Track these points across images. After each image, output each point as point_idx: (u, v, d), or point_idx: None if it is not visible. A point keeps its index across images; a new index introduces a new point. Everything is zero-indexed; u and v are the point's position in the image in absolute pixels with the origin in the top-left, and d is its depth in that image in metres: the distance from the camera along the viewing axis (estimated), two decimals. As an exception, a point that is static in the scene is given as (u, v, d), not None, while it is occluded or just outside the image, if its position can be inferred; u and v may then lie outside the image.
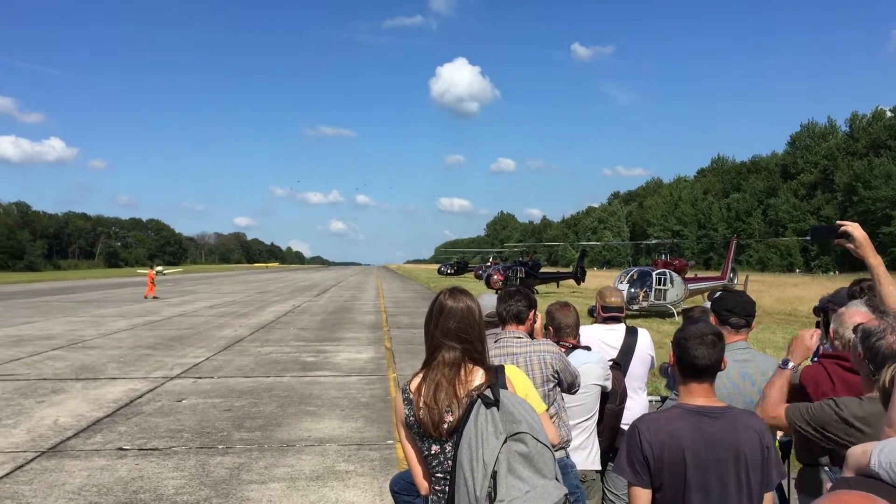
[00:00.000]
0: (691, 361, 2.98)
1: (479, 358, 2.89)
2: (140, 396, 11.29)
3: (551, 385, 4.11)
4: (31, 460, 7.80)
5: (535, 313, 4.37)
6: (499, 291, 4.93)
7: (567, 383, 4.20)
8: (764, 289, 41.75)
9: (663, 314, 28.58)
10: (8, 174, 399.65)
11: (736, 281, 35.79)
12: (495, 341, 4.25)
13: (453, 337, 2.87)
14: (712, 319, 4.04)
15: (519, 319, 4.30)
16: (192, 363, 14.84)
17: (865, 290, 4.32)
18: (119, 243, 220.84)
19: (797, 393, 3.69)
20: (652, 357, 5.40)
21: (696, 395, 3.00)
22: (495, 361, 4.03)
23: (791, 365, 3.54)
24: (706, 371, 3.00)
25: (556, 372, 4.12)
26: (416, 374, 2.93)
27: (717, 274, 39.98)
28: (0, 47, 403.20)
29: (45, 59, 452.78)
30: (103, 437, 8.83)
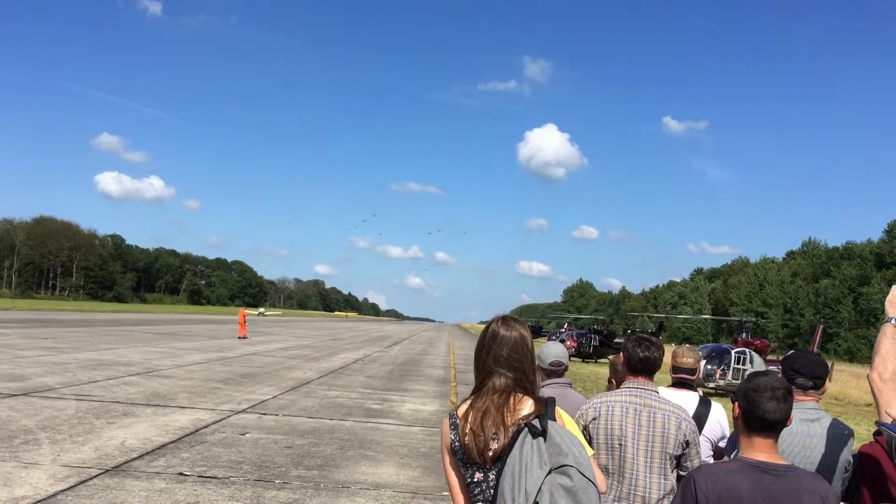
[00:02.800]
0: (760, 414, 2.84)
1: (530, 388, 2.82)
2: (206, 426, 11.45)
3: (678, 452, 3.84)
4: (95, 476, 7.95)
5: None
6: (570, 358, 4.74)
7: (690, 460, 3.89)
8: (851, 379, 39.88)
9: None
10: (108, 208, 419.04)
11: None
12: (625, 387, 4.04)
13: (504, 364, 2.81)
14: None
15: (652, 371, 4.06)
16: (259, 400, 15.01)
17: None
18: (203, 281, 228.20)
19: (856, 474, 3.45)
20: (723, 428, 5.00)
21: (760, 451, 2.85)
22: (622, 409, 3.90)
23: None
24: (775, 426, 2.86)
25: (687, 443, 3.85)
26: (464, 401, 2.87)
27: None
28: (114, 89, 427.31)
29: (153, 102, 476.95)
30: (166, 461, 8.96)
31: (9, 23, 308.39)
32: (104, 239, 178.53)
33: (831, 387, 33.16)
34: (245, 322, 40.51)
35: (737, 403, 2.97)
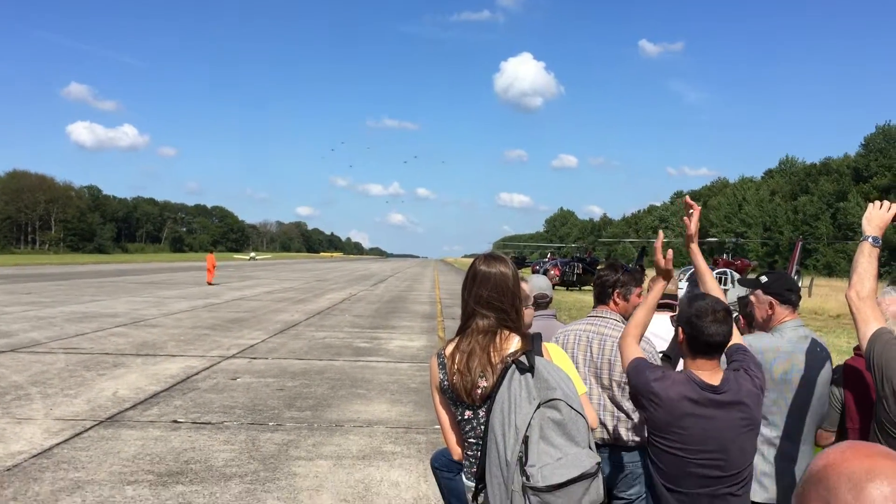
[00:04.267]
0: (705, 339, 2.91)
1: (514, 326, 2.84)
2: (196, 373, 11.53)
3: None
4: (89, 428, 8.03)
5: (640, 292, 4.14)
6: (554, 287, 4.81)
7: None
8: (830, 293, 40.47)
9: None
10: (82, 159, 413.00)
11: (801, 284, 34.84)
12: (587, 316, 4.13)
13: (486, 304, 2.82)
14: (774, 301, 3.85)
15: (624, 298, 4.11)
16: (248, 344, 15.10)
17: None
18: (184, 229, 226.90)
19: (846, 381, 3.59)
20: (664, 340, 5.18)
21: (703, 370, 2.95)
22: (575, 337, 3.98)
23: (878, 241, 3.19)
24: (719, 348, 2.95)
25: None
26: (450, 341, 2.90)
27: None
28: (78, 36, 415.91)
29: (121, 47, 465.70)
30: (159, 409, 9.05)
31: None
32: (80, 190, 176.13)
33: (811, 302, 33.75)
34: (213, 268, 39.71)
35: (680, 329, 3.02)
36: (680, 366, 5.11)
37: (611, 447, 3.94)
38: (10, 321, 18.10)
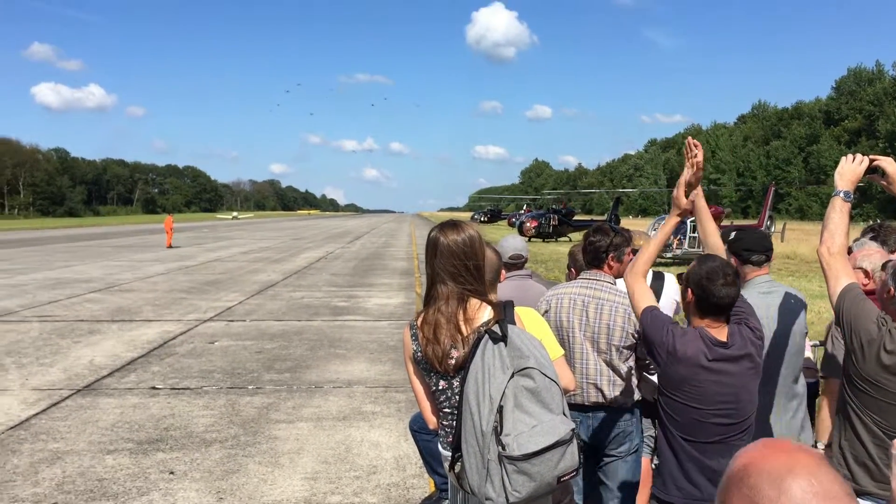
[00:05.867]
0: (715, 301, 2.99)
1: (482, 292, 2.82)
2: (174, 338, 11.48)
3: (628, 343, 3.92)
4: (67, 398, 7.99)
5: (632, 250, 4.09)
6: (530, 239, 4.75)
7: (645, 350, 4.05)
8: (803, 237, 41.00)
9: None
10: (48, 120, 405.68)
11: (773, 229, 35.17)
12: (580, 278, 4.10)
13: (448, 274, 2.79)
14: (732, 261, 3.94)
15: (618, 260, 4.06)
16: (225, 307, 15.04)
17: (879, 232, 4.69)
18: (156, 190, 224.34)
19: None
20: (678, 303, 5.26)
21: (712, 328, 3.04)
22: (570, 301, 3.95)
23: (849, 196, 3.21)
24: (727, 309, 3.03)
25: (638, 333, 3.87)
26: (420, 311, 2.88)
27: (754, 222, 39.30)
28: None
29: (83, 5, 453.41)
30: (137, 376, 9.01)
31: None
32: (48, 153, 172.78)
33: (784, 247, 34.13)
34: (171, 230, 38.41)
35: (690, 290, 3.07)
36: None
37: (605, 409, 3.96)
38: (-18, 290, 17.85)
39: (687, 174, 3.36)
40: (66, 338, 11.45)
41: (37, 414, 7.38)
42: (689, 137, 3.46)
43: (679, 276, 3.38)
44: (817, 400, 4.55)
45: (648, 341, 3.12)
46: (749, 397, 3.04)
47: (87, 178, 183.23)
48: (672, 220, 3.40)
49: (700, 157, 3.35)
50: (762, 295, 3.79)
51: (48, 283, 19.58)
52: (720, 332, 3.03)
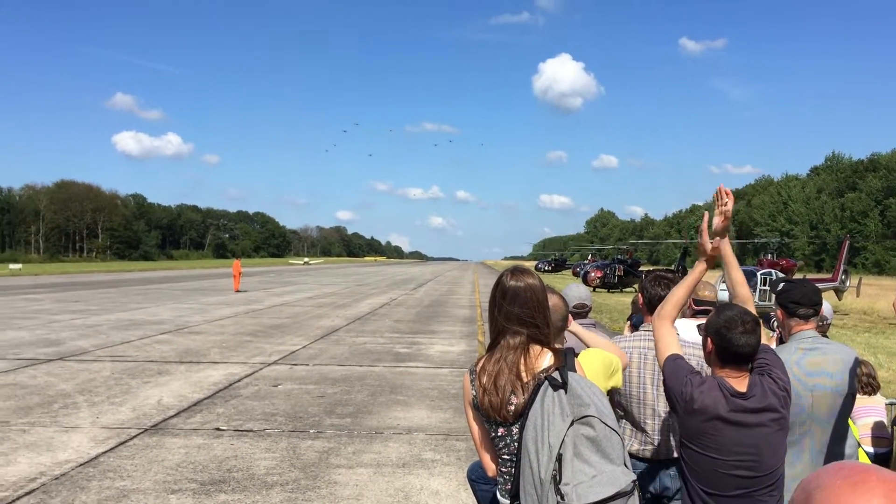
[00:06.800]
0: (734, 350, 2.95)
1: (545, 340, 2.80)
2: (239, 380, 11.65)
3: None
4: (134, 437, 8.16)
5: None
6: (595, 289, 4.72)
7: None
8: (880, 292, 39.63)
9: (768, 317, 27.47)
10: (127, 167, 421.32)
11: (848, 283, 34.09)
12: (643, 330, 4.03)
13: (516, 321, 2.78)
14: (779, 313, 3.87)
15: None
16: (290, 350, 15.23)
17: None
18: (227, 235, 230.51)
19: None
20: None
21: (732, 378, 3.01)
22: (639, 356, 3.89)
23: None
24: (748, 359, 2.99)
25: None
26: (482, 357, 2.87)
27: (828, 276, 38.11)
28: (123, 46, 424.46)
29: (165, 57, 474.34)
30: (202, 417, 9.16)
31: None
32: (126, 199, 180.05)
33: (860, 302, 32.98)
34: (240, 275, 39.22)
35: (710, 339, 3.04)
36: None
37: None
38: (59, 329, 18.51)
39: (715, 221, 3.35)
40: (136, 378, 11.74)
41: (105, 452, 7.55)
42: (721, 185, 3.45)
43: (699, 326, 3.34)
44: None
45: (668, 390, 3.09)
46: (772, 450, 2.95)
47: (162, 222, 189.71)
48: (700, 267, 3.41)
49: (730, 207, 3.36)
50: (804, 351, 3.68)
51: (121, 324, 20.18)
52: (740, 383, 2.98)
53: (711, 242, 3.36)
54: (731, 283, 3.47)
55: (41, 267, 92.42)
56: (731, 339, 2.93)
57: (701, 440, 2.94)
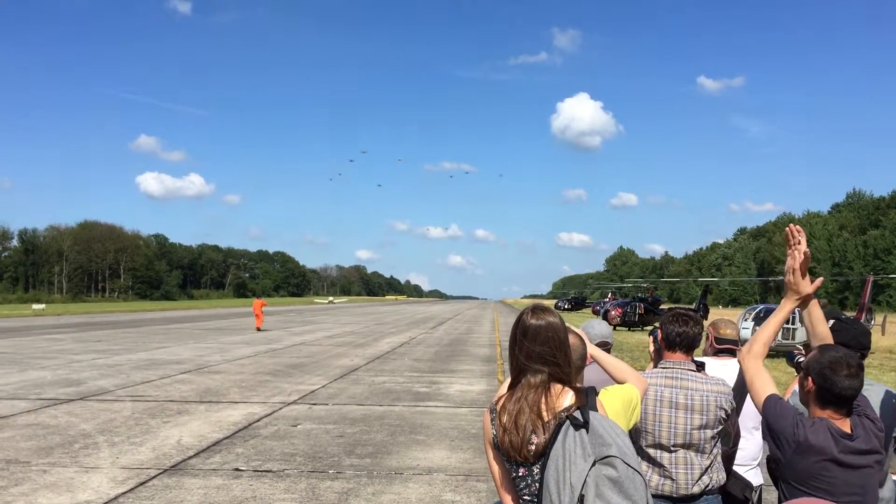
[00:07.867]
0: (838, 392, 2.92)
1: (567, 379, 2.77)
2: (258, 420, 11.63)
3: (719, 429, 3.77)
4: (154, 477, 8.14)
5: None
6: (615, 327, 4.66)
7: (733, 432, 3.86)
8: (906, 331, 38.99)
9: (792, 355, 27.06)
10: (150, 208, 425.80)
11: (873, 322, 33.63)
12: (660, 367, 3.96)
13: (537, 359, 2.75)
14: None
15: (691, 348, 3.94)
16: (309, 390, 15.19)
17: None
18: (247, 274, 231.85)
19: None
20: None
21: (835, 420, 2.99)
22: (655, 393, 3.84)
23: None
24: (849, 401, 2.96)
25: (726, 414, 3.77)
26: (502, 396, 2.84)
27: (853, 314, 37.60)
28: (146, 91, 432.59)
29: (188, 99, 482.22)
30: (221, 457, 9.13)
31: (39, 30, 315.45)
32: (148, 239, 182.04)
33: (886, 340, 32.48)
34: (261, 314, 39.21)
35: (810, 379, 3.01)
36: (753, 415, 4.93)
37: (696, 499, 3.78)
38: (80, 369, 18.61)
39: (795, 260, 3.31)
40: (156, 417, 11.75)
41: (125, 492, 7.53)
42: (792, 224, 3.43)
43: (797, 364, 3.29)
44: None
45: (774, 432, 3.03)
46: (874, 492, 2.97)
47: (184, 262, 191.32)
48: (789, 306, 3.39)
49: (804, 245, 3.33)
50: None
51: (142, 363, 20.26)
52: (843, 425, 2.96)
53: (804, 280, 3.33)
54: (812, 322, 3.44)
55: (64, 307, 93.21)
56: (835, 382, 2.91)
57: (812, 482, 2.92)
